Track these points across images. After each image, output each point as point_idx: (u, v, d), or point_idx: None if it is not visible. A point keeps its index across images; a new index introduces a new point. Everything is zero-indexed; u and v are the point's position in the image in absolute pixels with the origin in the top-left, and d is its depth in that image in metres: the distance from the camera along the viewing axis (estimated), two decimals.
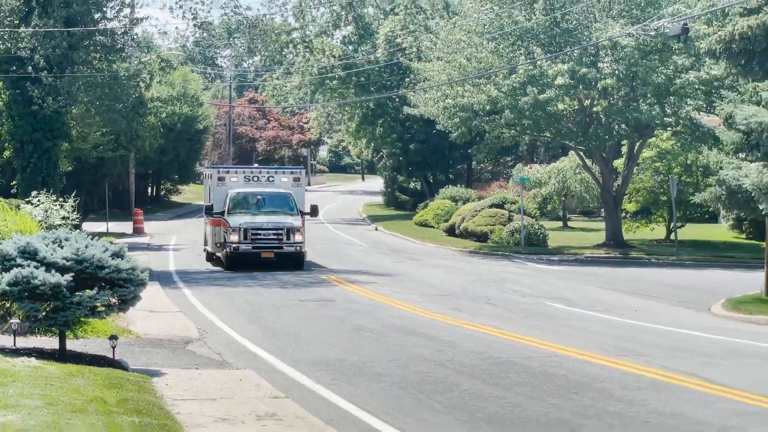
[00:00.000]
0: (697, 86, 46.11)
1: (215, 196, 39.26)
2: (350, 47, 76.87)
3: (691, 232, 53.81)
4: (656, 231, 54.80)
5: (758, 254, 37.35)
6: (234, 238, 36.45)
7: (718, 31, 31.64)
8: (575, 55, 46.60)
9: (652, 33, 45.04)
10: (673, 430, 12.84)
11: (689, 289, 33.50)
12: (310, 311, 25.88)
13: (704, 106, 47.20)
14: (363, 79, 73.37)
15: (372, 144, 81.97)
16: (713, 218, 59.26)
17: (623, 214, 54.29)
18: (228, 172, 40.91)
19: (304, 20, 77.38)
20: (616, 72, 46.41)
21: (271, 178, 40.24)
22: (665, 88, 46.46)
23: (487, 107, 49.29)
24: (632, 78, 46.81)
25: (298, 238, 36.92)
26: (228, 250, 36.63)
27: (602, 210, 56.20)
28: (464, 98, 49.87)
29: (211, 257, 40.36)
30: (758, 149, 27.28)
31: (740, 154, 28.74)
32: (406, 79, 66.26)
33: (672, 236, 51.60)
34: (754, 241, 49.61)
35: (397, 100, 69.07)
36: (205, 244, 41.84)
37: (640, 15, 47.07)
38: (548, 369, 17.47)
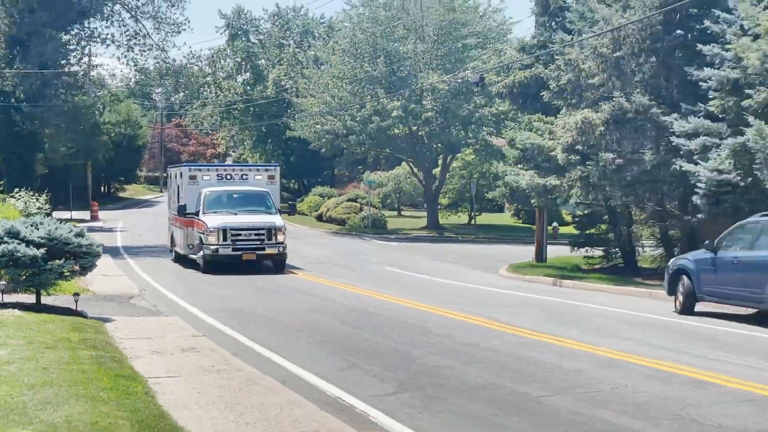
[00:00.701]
0: (490, 118, 47.08)
1: (186, 195, 28.05)
2: (248, 87, 76.03)
3: (485, 218, 54.80)
4: (462, 218, 55.72)
5: (531, 234, 38.21)
6: (213, 239, 25.64)
7: (504, 79, 32.23)
8: (406, 95, 47.03)
9: (460, 80, 45.77)
10: (472, 354, 13.04)
11: (484, 258, 34.12)
12: (222, 275, 25.51)
13: (494, 131, 48.17)
14: (257, 110, 72.61)
15: (264, 157, 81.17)
16: (500, 209, 60.53)
17: (439, 206, 55.01)
18: (200, 170, 29.01)
19: (215, 68, 76.80)
20: (435, 107, 47.04)
21: (245, 176, 28.90)
22: (468, 119, 47.30)
23: (345, 131, 49.41)
24: (445, 111, 47.48)
25: (280, 238, 26.35)
26: (207, 252, 25.71)
27: (425, 203, 56.91)
28: (329, 125, 49.90)
29: (180, 259, 29.03)
30: (531, 162, 28.04)
31: (519, 165, 29.39)
32: (289, 111, 65.70)
33: (472, 221, 52.49)
34: (528, 225, 50.79)
35: (282, 125, 68.49)
36: (173, 245, 30.37)
37: (451, 68, 47.80)
38: (390, 314, 17.59)
